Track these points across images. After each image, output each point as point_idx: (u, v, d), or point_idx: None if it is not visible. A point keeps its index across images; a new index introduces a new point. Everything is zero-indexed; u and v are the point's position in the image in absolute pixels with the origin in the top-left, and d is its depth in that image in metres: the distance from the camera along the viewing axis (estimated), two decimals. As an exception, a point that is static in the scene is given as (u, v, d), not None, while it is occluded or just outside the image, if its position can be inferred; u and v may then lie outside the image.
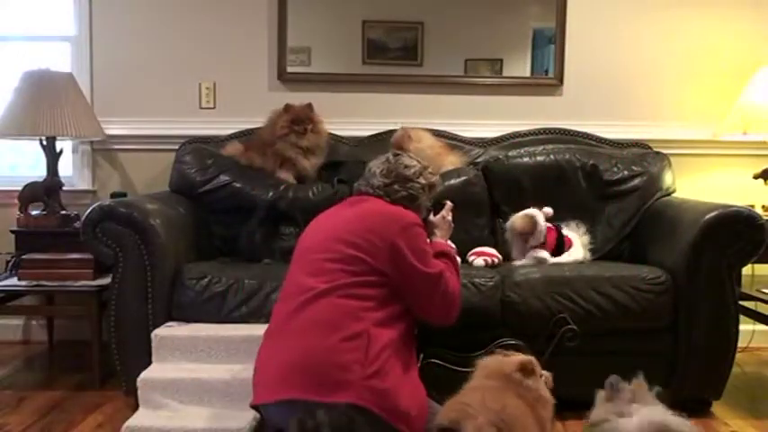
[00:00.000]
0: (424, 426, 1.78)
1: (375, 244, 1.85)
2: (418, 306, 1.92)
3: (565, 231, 2.79)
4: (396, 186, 2.06)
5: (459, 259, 2.30)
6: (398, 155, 2.15)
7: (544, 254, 2.67)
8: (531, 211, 2.71)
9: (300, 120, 2.97)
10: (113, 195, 3.08)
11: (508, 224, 2.75)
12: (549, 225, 2.73)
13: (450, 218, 2.26)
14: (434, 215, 2.24)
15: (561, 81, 3.38)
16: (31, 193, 3.09)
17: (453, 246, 2.41)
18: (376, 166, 2.12)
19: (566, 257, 2.70)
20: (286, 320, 1.82)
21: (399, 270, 1.86)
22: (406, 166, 2.09)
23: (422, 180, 2.10)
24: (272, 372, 1.76)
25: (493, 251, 2.74)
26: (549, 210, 2.74)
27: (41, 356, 3.25)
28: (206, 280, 2.47)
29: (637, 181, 2.98)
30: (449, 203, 2.27)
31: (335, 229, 1.93)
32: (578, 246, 2.77)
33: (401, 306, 1.88)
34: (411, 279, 1.87)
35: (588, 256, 2.78)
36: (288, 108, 3.00)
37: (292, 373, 1.71)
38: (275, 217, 2.80)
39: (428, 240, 2.04)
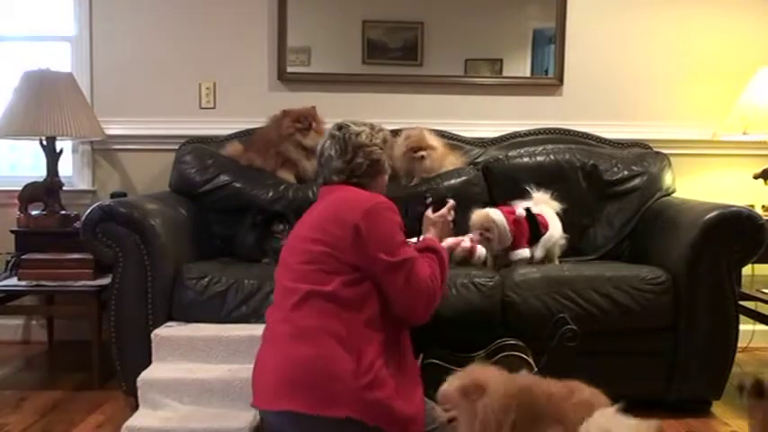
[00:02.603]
0: (422, 428, 1.78)
1: (337, 235, 1.78)
2: (388, 298, 1.81)
3: (536, 210, 2.69)
4: (358, 159, 1.95)
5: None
6: (342, 127, 2.00)
7: (525, 253, 2.62)
8: (489, 209, 2.63)
9: (304, 116, 2.99)
10: (113, 195, 3.08)
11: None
12: (521, 213, 2.66)
13: (450, 217, 2.16)
14: (434, 211, 2.15)
15: (561, 81, 3.38)
16: (31, 193, 3.09)
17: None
18: (327, 148, 1.98)
19: (545, 242, 2.64)
20: (277, 325, 1.81)
21: (363, 257, 1.78)
22: (356, 135, 1.97)
23: (376, 140, 1.99)
24: (269, 380, 1.75)
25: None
26: (521, 212, 2.68)
27: (41, 356, 3.25)
28: (206, 280, 2.47)
29: (637, 181, 2.98)
30: (451, 202, 2.19)
31: (305, 229, 1.88)
32: (554, 220, 2.69)
33: (385, 302, 1.81)
34: (373, 266, 1.79)
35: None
36: (287, 111, 3.03)
37: (288, 384, 1.70)
38: (269, 217, 2.79)
39: (405, 230, 1.92)
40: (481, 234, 2.57)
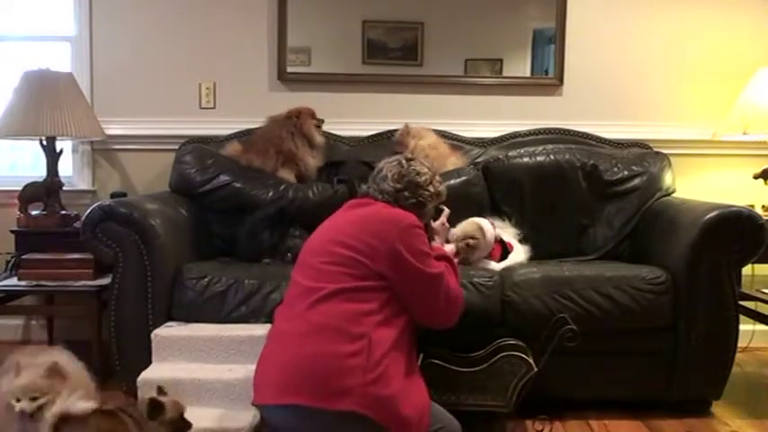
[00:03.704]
0: (426, 429, 1.78)
1: (373, 246, 1.84)
2: (423, 309, 1.91)
3: (506, 238, 2.75)
4: (406, 193, 2.04)
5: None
6: (411, 160, 2.11)
7: (493, 265, 2.61)
8: (480, 219, 2.67)
9: (315, 114, 3.09)
10: (113, 195, 3.08)
11: (454, 230, 2.63)
12: (498, 233, 2.71)
13: (447, 225, 2.34)
14: (433, 221, 2.26)
15: (561, 81, 3.37)
16: (31, 193, 3.09)
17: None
18: (388, 169, 2.07)
19: (510, 259, 2.66)
20: (288, 324, 1.82)
21: (400, 272, 1.85)
22: (418, 174, 2.06)
23: (431, 188, 2.09)
24: (274, 375, 1.76)
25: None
26: (498, 232, 2.72)
27: (41, 356, 3.24)
28: (206, 280, 2.47)
29: (637, 181, 2.97)
30: (446, 210, 2.32)
31: (334, 233, 1.93)
32: (519, 248, 2.74)
33: (402, 307, 1.87)
34: (413, 281, 1.87)
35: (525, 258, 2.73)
36: (300, 108, 3.08)
37: (294, 378, 1.71)
38: (284, 219, 2.79)
39: (428, 243, 2.04)
40: (467, 242, 2.58)
